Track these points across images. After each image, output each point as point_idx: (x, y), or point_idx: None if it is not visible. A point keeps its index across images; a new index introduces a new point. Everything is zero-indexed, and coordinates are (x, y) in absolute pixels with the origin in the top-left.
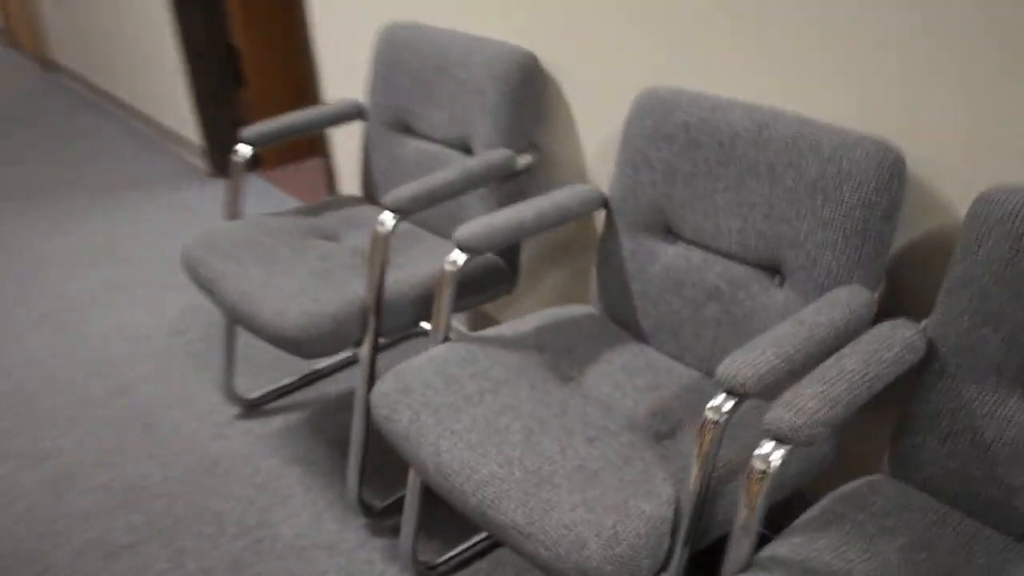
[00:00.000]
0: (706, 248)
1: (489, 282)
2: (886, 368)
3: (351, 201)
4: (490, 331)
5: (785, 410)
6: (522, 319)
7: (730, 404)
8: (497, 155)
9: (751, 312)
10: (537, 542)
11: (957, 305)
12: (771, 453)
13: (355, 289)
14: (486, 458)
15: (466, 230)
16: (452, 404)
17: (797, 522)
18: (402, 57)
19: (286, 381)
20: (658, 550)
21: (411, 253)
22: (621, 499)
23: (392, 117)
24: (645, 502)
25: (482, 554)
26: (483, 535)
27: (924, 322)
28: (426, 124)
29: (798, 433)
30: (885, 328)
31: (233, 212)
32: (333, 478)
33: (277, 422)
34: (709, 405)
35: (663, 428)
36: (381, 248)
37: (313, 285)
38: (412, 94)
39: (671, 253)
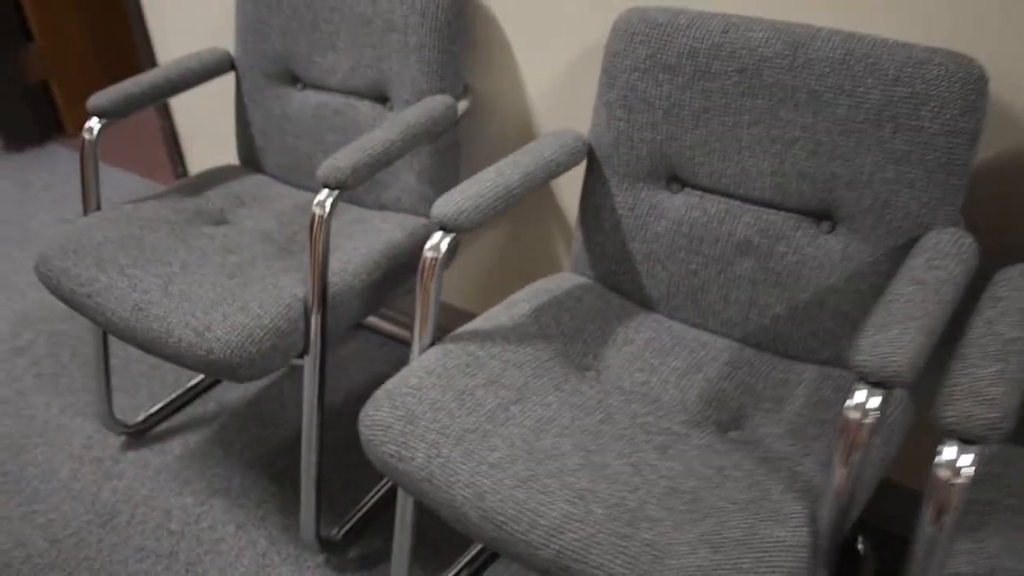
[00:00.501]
0: (728, 196)
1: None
2: None
3: (228, 173)
4: (480, 322)
5: (973, 403)
6: (508, 302)
7: (878, 400)
8: (436, 103)
9: (797, 266)
10: None
11: None
12: (958, 458)
13: (287, 287)
14: (548, 495)
15: (448, 205)
16: (476, 428)
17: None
18: None
19: (172, 396)
20: None
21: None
22: (746, 528)
23: (273, 67)
24: (776, 528)
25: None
26: (477, 548)
27: None
28: (320, 72)
29: (996, 430)
30: (1016, 276)
31: (90, 203)
32: (268, 508)
33: (175, 448)
34: (852, 403)
35: (723, 418)
36: (322, 234)
37: (231, 288)
38: (298, 38)
39: (681, 205)
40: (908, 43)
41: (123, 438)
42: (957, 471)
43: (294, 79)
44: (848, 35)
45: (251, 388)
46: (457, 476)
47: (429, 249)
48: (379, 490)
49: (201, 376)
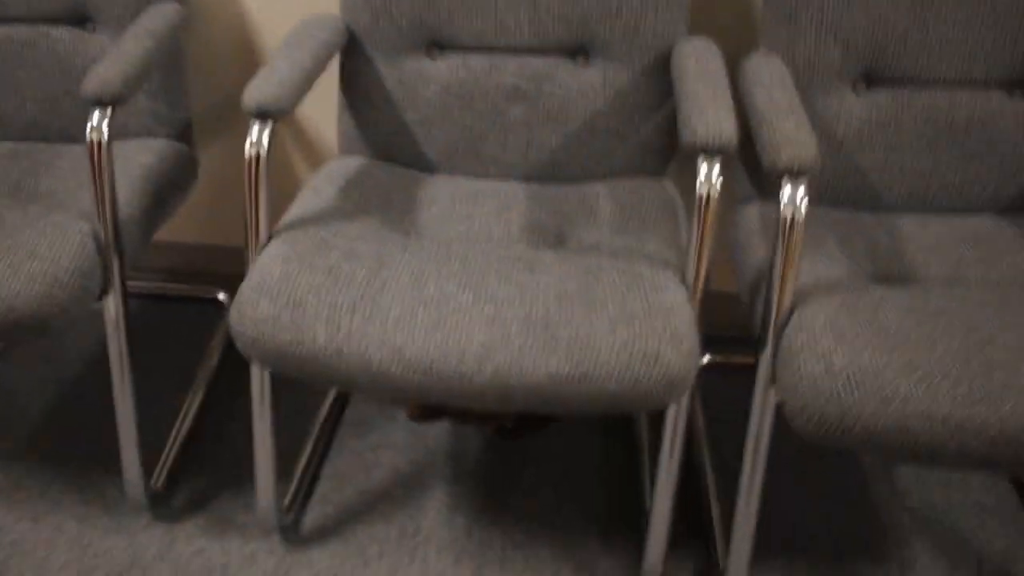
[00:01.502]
0: (491, 50)
1: (174, 173)
2: None
3: None
4: (297, 211)
5: (796, 147)
6: (310, 190)
7: (716, 168)
8: (165, 10)
9: (565, 101)
10: (598, 380)
11: None
12: (796, 194)
13: (65, 224)
14: (461, 330)
15: (260, 91)
16: (363, 296)
17: None
18: None
19: None
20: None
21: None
22: (641, 301)
23: None
24: (662, 295)
25: (317, 473)
26: (309, 451)
27: None
28: None
29: (814, 163)
30: (754, 63)
31: None
32: (58, 489)
33: None
34: (702, 178)
35: (552, 240)
36: (107, 161)
37: (2, 243)
38: None
39: (445, 68)
40: None
41: None
42: (799, 207)
43: None
44: None
45: None
46: (368, 340)
47: (251, 145)
48: (183, 419)
49: None
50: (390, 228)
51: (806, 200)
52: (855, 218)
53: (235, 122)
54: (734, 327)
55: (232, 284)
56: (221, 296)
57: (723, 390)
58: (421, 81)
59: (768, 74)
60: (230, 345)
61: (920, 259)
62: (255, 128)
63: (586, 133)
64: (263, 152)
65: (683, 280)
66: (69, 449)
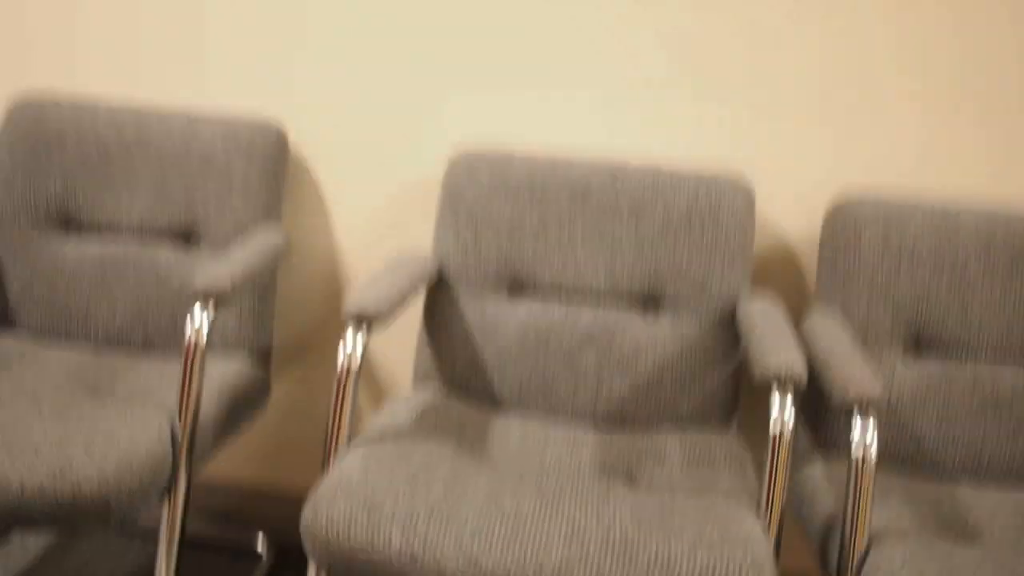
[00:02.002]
0: (569, 298)
1: (248, 395)
2: None
3: None
4: (375, 430)
5: (859, 383)
6: (387, 413)
7: (788, 400)
8: (269, 235)
9: (635, 351)
10: None
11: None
12: (866, 429)
13: (146, 415)
14: (540, 544)
15: (361, 298)
16: (439, 504)
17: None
18: (55, 135)
19: None
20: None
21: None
22: (719, 529)
23: (45, 210)
24: (738, 525)
25: None
26: None
27: None
28: (108, 212)
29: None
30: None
31: None
32: None
33: None
34: (775, 412)
35: (622, 478)
36: (199, 353)
37: (75, 423)
38: (81, 177)
39: (525, 311)
40: (694, 168)
41: None
42: (867, 442)
43: (68, 223)
44: (653, 165)
45: None
46: (443, 548)
47: (347, 349)
48: None
49: None
50: (464, 452)
51: (875, 435)
52: (912, 482)
53: (308, 358)
54: None
55: (274, 534)
56: (260, 545)
57: None
58: (501, 321)
59: (829, 326)
60: None
61: (980, 525)
62: (350, 333)
63: (654, 382)
64: (356, 358)
65: (757, 515)
66: None
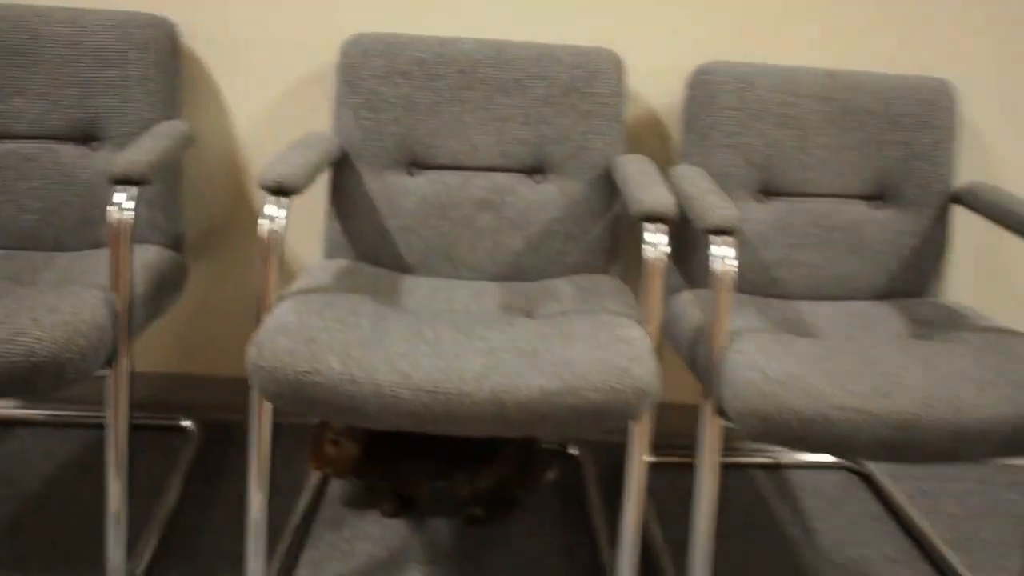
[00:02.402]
0: (463, 168)
1: (169, 278)
2: None
3: None
4: (300, 287)
5: (719, 211)
6: (304, 279)
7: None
8: (174, 126)
9: (526, 211)
10: (583, 394)
11: None
12: (725, 249)
13: (80, 293)
14: (462, 357)
15: (276, 171)
16: (370, 336)
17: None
18: None
19: None
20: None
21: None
22: (609, 335)
23: None
24: (626, 330)
25: (295, 562)
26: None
27: None
28: (3, 119)
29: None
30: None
31: None
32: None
33: None
34: (650, 242)
35: (523, 314)
36: (125, 232)
37: (14, 304)
38: None
39: (424, 182)
40: (568, 44)
41: None
42: (726, 258)
43: None
44: (535, 42)
45: None
46: (377, 369)
47: (266, 220)
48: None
49: None
50: (382, 303)
51: (734, 253)
52: (766, 302)
53: (219, 250)
54: (676, 435)
55: (197, 413)
56: (186, 423)
57: (666, 486)
58: (403, 193)
59: (693, 174)
60: (198, 462)
61: (820, 326)
62: (271, 204)
63: (544, 237)
64: (279, 227)
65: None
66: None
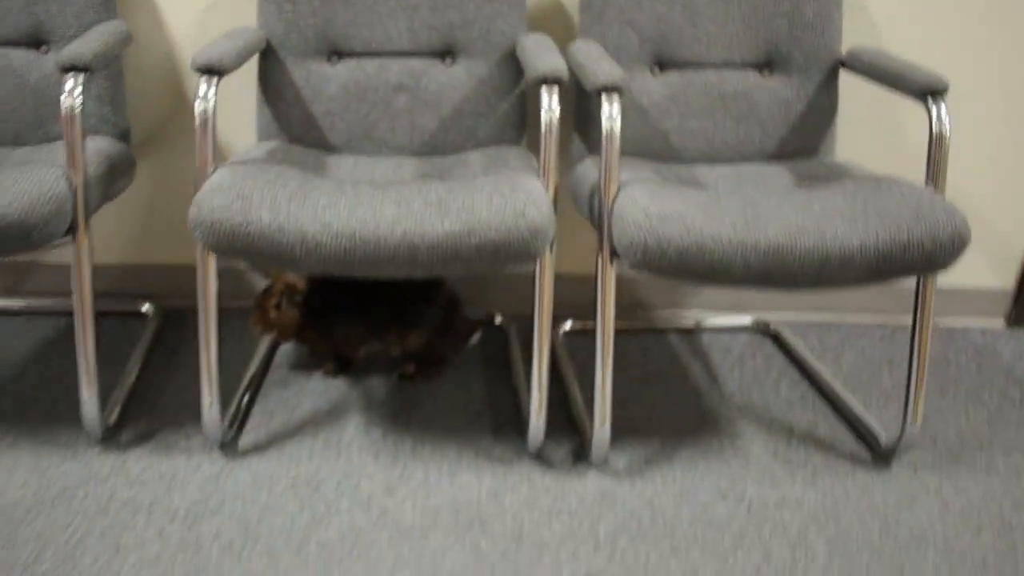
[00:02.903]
0: (379, 55)
1: (118, 165)
2: None
3: None
4: (233, 162)
5: (606, 73)
6: (239, 155)
7: (555, 95)
8: (114, 26)
9: (438, 92)
10: (483, 233)
11: None
12: (612, 107)
13: (39, 171)
14: (376, 207)
15: (206, 54)
16: (296, 193)
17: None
18: None
19: None
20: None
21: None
22: (509, 184)
23: None
24: (526, 181)
25: (248, 411)
26: (241, 391)
27: None
28: None
29: (623, 82)
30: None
31: None
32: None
33: None
34: (545, 105)
35: (436, 179)
36: (76, 117)
37: None
38: None
39: (343, 70)
40: None
41: None
42: (614, 117)
43: None
44: None
45: None
46: (303, 218)
47: (200, 99)
48: (126, 379)
49: None
50: (309, 173)
51: (619, 109)
52: (662, 165)
53: (161, 146)
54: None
55: (154, 300)
56: (145, 308)
57: (581, 348)
58: (324, 81)
59: (587, 47)
60: (157, 340)
61: (710, 182)
62: (203, 83)
63: (456, 115)
64: (210, 106)
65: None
66: (26, 404)
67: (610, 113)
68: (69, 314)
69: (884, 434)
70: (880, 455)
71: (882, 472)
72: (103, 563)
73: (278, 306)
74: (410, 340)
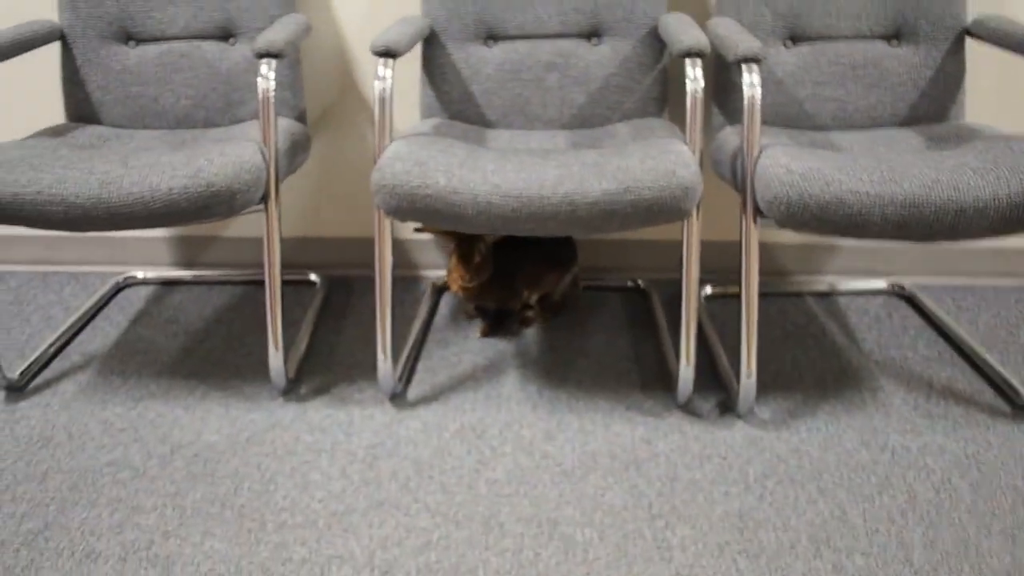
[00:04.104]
0: (531, 37)
1: (299, 141)
2: None
3: (68, 128)
4: (406, 136)
5: (746, 44)
6: (410, 130)
7: (699, 67)
8: (296, 18)
9: (586, 69)
10: (638, 192)
11: None
12: (753, 76)
13: (238, 146)
14: (540, 170)
15: (383, 39)
16: (466, 160)
17: None
18: None
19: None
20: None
21: (200, 139)
22: (661, 146)
23: (108, 28)
24: (677, 144)
25: (413, 369)
26: (407, 350)
27: None
28: (160, 24)
29: (761, 52)
30: (716, 22)
31: None
32: (201, 390)
33: (68, 388)
34: (691, 76)
35: (588, 148)
36: (270, 97)
37: (192, 153)
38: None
39: (499, 52)
40: None
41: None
42: (754, 84)
43: (129, 37)
44: None
45: (111, 333)
46: (474, 181)
47: (379, 80)
48: (300, 340)
49: (69, 322)
50: (472, 144)
51: (759, 78)
52: (799, 132)
53: (333, 122)
54: (730, 270)
55: (321, 270)
56: (313, 277)
57: (721, 312)
58: (483, 62)
59: (725, 22)
60: (325, 306)
61: (845, 145)
62: (381, 65)
63: (603, 91)
64: (388, 85)
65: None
66: (215, 362)
67: (751, 81)
68: (243, 283)
69: (1023, 388)
70: (1020, 407)
71: (1022, 424)
72: (294, 497)
73: (481, 254)
74: (548, 291)
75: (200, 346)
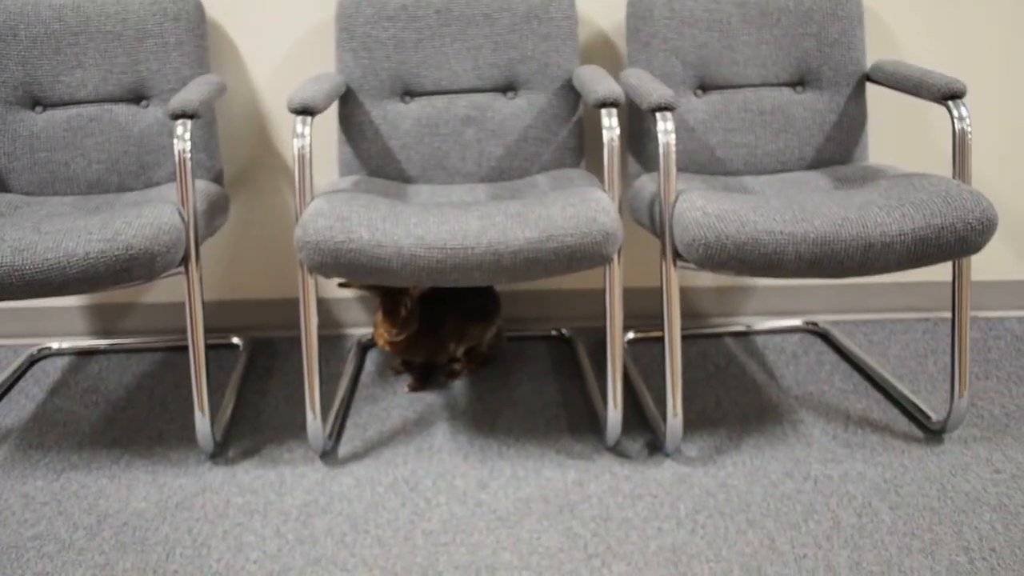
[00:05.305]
0: (447, 92)
1: (216, 203)
2: None
3: None
4: (325, 192)
5: (659, 93)
6: (327, 187)
7: (615, 117)
8: (209, 79)
9: (502, 123)
10: (560, 239)
11: None
12: (667, 123)
13: (155, 208)
14: (463, 222)
15: (300, 95)
16: (388, 214)
17: None
18: (14, 28)
19: None
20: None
21: (113, 204)
22: (580, 195)
23: (12, 93)
24: (595, 192)
25: (342, 425)
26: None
27: None
28: (68, 88)
29: (674, 101)
30: (630, 72)
31: None
32: (124, 458)
33: None
34: (606, 124)
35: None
36: (186, 157)
37: (108, 217)
38: (39, 64)
39: (416, 108)
40: None
41: None
42: (669, 131)
43: (36, 101)
44: None
45: (27, 406)
46: (398, 235)
47: (297, 137)
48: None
49: None
50: (393, 200)
51: (673, 125)
52: (712, 177)
53: (250, 183)
54: (650, 315)
55: (246, 332)
56: (236, 340)
57: (644, 355)
58: (400, 118)
59: (638, 73)
60: (250, 368)
61: (756, 188)
62: (299, 123)
63: (520, 142)
64: (307, 143)
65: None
66: (138, 428)
67: (665, 128)
68: (163, 349)
69: (934, 414)
70: (932, 431)
71: (935, 446)
72: (228, 560)
73: (407, 308)
74: (475, 343)
75: (122, 414)
